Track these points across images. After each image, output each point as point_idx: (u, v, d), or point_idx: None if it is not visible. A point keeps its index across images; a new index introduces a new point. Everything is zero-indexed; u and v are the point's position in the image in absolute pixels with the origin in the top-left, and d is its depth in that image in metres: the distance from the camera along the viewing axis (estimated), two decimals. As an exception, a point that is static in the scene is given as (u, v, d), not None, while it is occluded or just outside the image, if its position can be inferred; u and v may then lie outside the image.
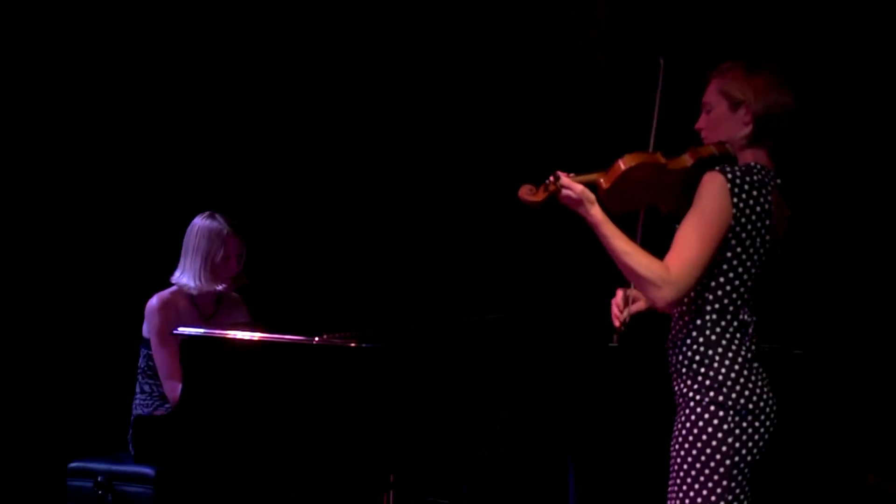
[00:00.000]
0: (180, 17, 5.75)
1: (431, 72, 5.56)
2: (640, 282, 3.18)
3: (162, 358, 4.68)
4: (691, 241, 3.16)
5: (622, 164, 3.25)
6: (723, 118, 3.29)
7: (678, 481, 3.21)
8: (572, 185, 3.22)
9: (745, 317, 3.24)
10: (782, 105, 3.27)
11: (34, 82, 5.75)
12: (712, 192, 3.18)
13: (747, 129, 3.27)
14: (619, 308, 3.46)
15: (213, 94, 5.79)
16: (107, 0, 5.72)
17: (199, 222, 4.80)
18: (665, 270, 3.14)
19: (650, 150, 3.35)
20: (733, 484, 3.18)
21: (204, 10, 5.73)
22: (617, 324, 3.45)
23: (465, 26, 5.50)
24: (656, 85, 3.41)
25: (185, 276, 4.76)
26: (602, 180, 3.26)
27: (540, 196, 3.24)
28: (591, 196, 3.22)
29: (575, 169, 3.31)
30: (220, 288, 4.80)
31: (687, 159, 3.29)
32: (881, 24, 4.97)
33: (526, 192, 3.26)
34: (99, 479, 4.61)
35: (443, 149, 5.55)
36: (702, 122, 3.35)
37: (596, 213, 3.22)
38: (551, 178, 3.24)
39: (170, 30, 5.76)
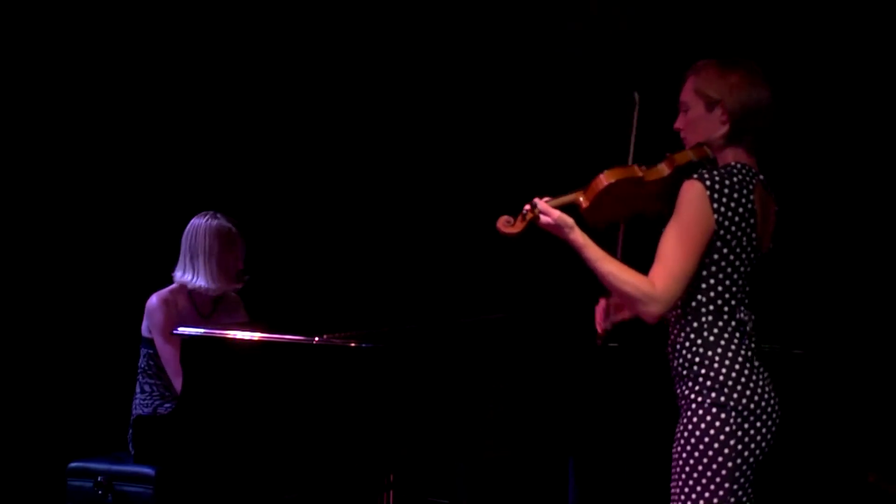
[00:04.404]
0: (178, 15, 5.75)
1: (431, 73, 5.56)
2: (627, 300, 3.19)
3: (169, 354, 4.67)
4: (674, 253, 3.15)
5: (601, 181, 3.24)
6: (700, 119, 3.28)
7: (680, 483, 3.21)
8: (549, 212, 3.22)
9: (742, 315, 3.24)
10: (758, 101, 3.24)
11: (34, 82, 5.75)
12: (691, 202, 3.16)
13: (724, 129, 3.25)
14: (601, 317, 3.46)
15: (212, 94, 5.78)
16: (107, 0, 5.73)
17: (204, 223, 4.74)
18: (650, 286, 3.14)
19: (629, 161, 3.33)
20: (735, 486, 3.17)
21: (203, 10, 5.73)
22: (599, 330, 3.46)
23: (466, 27, 5.51)
24: (632, 116, 3.39)
25: (199, 279, 4.71)
26: (582, 199, 3.26)
27: (518, 227, 3.24)
28: (570, 221, 3.22)
29: (561, 182, 3.31)
30: (236, 287, 4.79)
31: (664, 169, 3.27)
32: (875, 23, 4.97)
33: (503, 224, 3.26)
34: (99, 479, 4.61)
35: (442, 150, 5.55)
36: (680, 122, 3.33)
37: (576, 237, 3.22)
38: (528, 207, 3.24)
39: (168, 28, 5.76)
